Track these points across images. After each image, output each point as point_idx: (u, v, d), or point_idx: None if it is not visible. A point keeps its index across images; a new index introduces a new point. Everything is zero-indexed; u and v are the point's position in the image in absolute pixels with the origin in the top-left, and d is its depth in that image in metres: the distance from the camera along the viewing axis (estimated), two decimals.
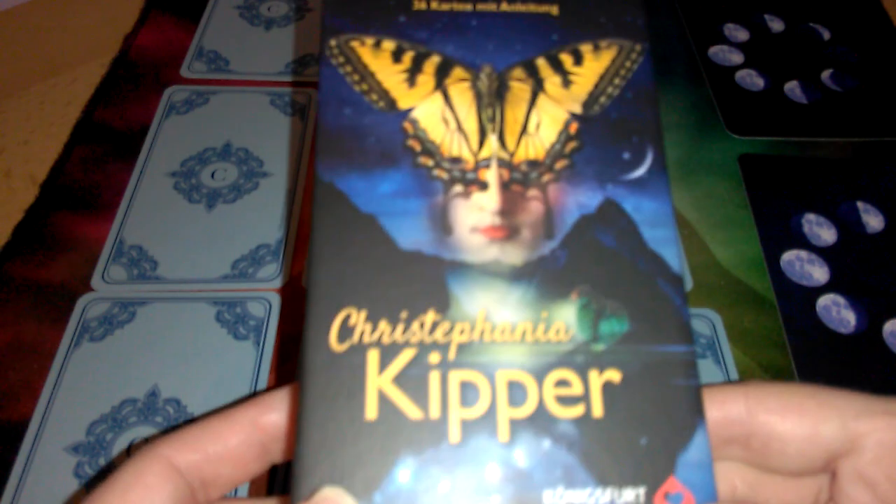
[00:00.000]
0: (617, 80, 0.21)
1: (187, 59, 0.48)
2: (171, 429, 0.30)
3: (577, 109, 0.21)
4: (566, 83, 0.21)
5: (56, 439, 0.31)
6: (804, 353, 0.34)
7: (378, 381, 0.17)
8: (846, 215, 0.40)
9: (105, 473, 0.30)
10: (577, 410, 0.18)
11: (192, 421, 0.20)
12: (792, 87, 0.47)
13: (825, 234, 0.39)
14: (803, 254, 0.38)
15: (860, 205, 0.40)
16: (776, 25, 0.51)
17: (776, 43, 0.50)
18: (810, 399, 0.18)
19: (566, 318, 0.18)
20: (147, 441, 0.31)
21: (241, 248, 0.38)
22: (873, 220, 0.40)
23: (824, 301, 0.36)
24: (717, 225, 0.39)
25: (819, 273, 0.37)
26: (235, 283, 0.36)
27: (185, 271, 0.37)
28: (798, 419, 0.18)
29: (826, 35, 0.50)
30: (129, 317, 0.35)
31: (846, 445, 0.18)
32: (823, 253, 0.38)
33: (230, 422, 0.19)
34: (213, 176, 0.41)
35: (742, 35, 0.50)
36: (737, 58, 0.49)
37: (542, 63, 0.21)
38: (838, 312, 0.36)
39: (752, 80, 0.47)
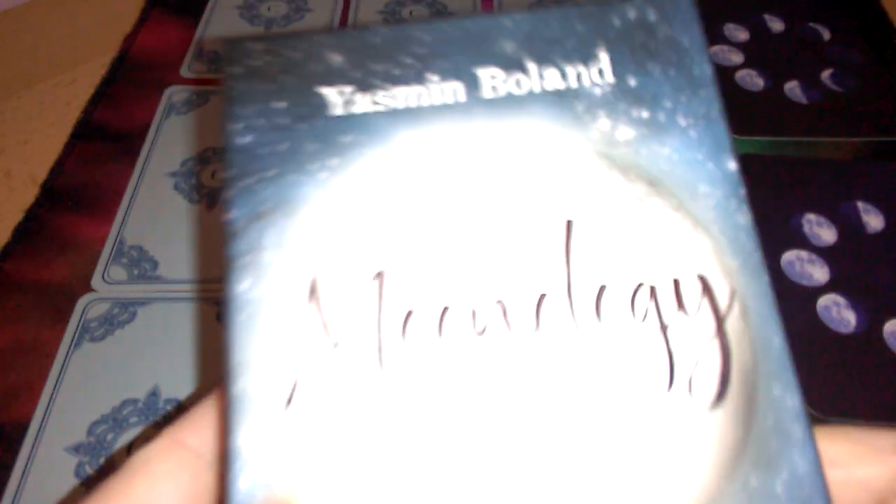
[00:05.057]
0: None
1: (187, 59, 0.48)
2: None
3: None
4: None
5: (57, 439, 0.31)
6: (804, 353, 0.34)
7: None
8: (846, 215, 0.40)
9: (104, 473, 0.30)
10: None
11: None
12: (792, 87, 0.47)
13: (825, 234, 0.39)
14: (803, 254, 0.38)
15: (860, 205, 0.40)
16: (776, 25, 0.51)
17: (776, 43, 0.50)
18: (841, 444, 0.16)
19: None
20: (147, 442, 0.31)
21: None
22: (873, 220, 0.40)
23: (824, 301, 0.36)
24: None
25: (819, 273, 0.37)
26: None
27: (185, 271, 0.37)
28: (832, 468, 0.16)
29: (826, 35, 0.50)
30: (129, 317, 0.35)
31: (892, 484, 0.16)
32: (823, 253, 0.38)
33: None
34: (213, 176, 0.41)
35: (742, 35, 0.50)
36: (737, 58, 0.49)
37: None
38: (838, 312, 0.36)
39: (752, 80, 0.47)
